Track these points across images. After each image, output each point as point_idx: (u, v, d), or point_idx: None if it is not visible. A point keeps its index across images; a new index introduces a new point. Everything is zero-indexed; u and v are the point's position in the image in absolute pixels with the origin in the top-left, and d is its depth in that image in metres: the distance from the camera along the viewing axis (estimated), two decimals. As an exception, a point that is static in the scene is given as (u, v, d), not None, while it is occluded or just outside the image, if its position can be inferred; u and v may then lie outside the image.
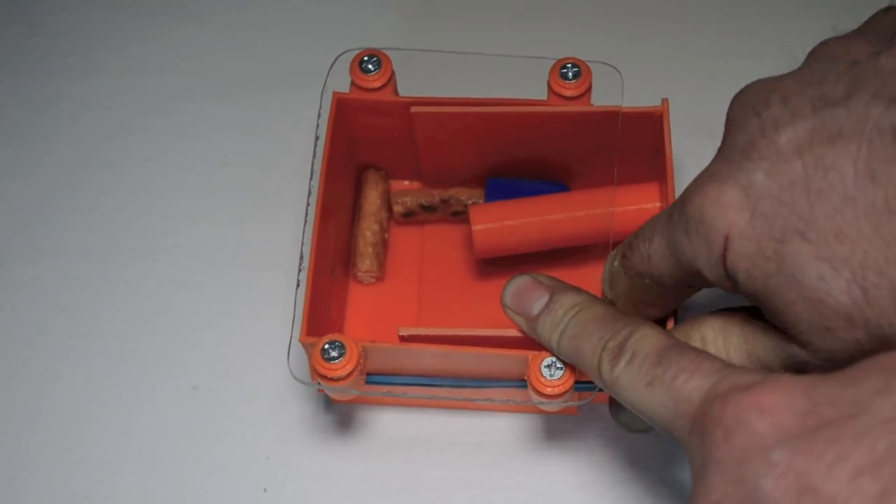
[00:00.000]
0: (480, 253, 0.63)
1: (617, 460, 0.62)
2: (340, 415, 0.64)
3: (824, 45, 0.52)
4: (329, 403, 0.64)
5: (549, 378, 0.55)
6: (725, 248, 0.47)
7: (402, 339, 0.57)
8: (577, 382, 0.55)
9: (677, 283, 0.52)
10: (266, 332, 0.65)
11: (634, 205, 0.62)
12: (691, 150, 0.65)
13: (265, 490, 0.63)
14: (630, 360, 0.49)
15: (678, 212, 0.49)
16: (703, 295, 0.59)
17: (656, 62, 0.72)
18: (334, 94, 0.61)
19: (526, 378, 0.55)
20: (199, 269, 0.68)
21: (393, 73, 0.61)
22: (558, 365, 0.55)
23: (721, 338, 0.52)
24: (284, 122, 0.71)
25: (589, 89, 0.60)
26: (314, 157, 0.60)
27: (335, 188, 0.61)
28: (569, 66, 0.60)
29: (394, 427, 0.64)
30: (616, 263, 0.54)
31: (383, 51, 0.62)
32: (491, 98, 0.61)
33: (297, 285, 0.57)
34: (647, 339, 0.49)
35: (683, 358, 0.47)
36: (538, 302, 0.55)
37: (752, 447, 0.41)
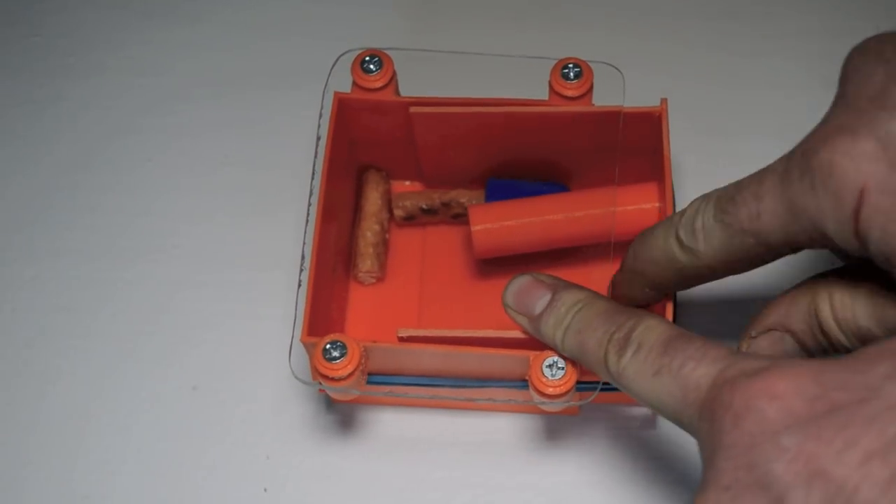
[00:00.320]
0: (480, 253, 0.63)
1: (619, 460, 0.63)
2: (341, 415, 0.64)
3: None
4: (330, 403, 0.64)
5: (550, 378, 0.55)
6: (859, 204, 0.44)
7: (402, 339, 0.57)
8: (578, 382, 0.55)
9: (787, 243, 0.48)
10: (266, 332, 0.65)
11: (633, 205, 0.62)
12: (692, 148, 0.66)
13: (265, 490, 0.63)
14: (636, 350, 0.49)
15: (798, 167, 0.46)
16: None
17: (658, 62, 0.72)
18: (336, 94, 0.61)
19: (527, 378, 0.55)
20: (199, 269, 0.68)
21: (394, 74, 0.61)
22: (560, 365, 0.55)
23: (850, 298, 0.50)
24: (284, 122, 0.71)
25: (590, 89, 0.60)
26: (315, 156, 0.60)
27: (336, 188, 0.61)
28: (570, 66, 0.60)
29: (395, 427, 0.64)
30: (710, 220, 0.50)
31: (385, 51, 0.62)
32: (492, 98, 0.61)
33: (299, 285, 0.57)
34: (652, 329, 0.49)
35: (690, 346, 0.47)
36: (540, 301, 0.55)
37: (762, 432, 0.41)
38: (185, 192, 0.70)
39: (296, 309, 0.57)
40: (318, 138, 0.60)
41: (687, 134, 0.65)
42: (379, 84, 0.61)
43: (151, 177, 0.71)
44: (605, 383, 0.54)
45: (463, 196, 0.66)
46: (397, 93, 0.62)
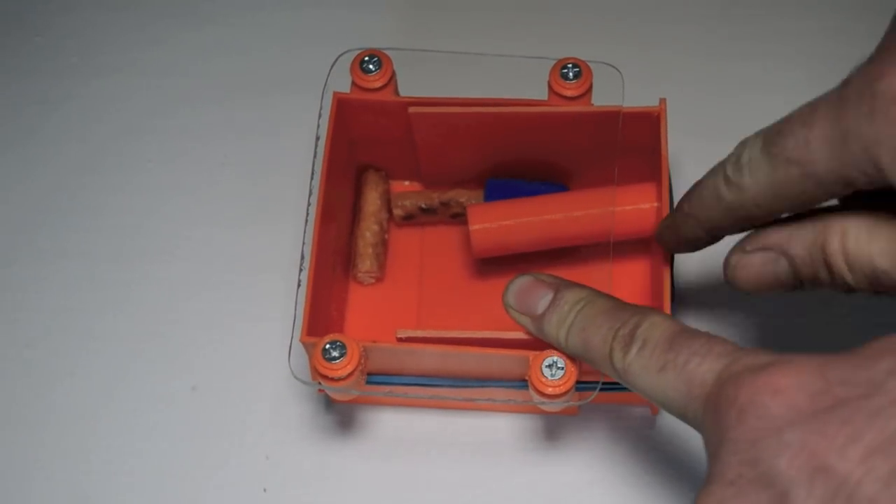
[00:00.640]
0: (479, 252, 0.63)
1: (618, 460, 0.62)
2: (341, 415, 0.64)
3: None
4: (329, 403, 0.64)
5: (550, 378, 0.55)
6: None
7: (401, 340, 0.57)
8: (578, 382, 0.55)
9: (833, 176, 0.47)
10: (266, 332, 0.65)
11: (632, 205, 0.62)
12: (691, 150, 0.66)
13: (265, 490, 0.63)
14: (641, 347, 0.49)
15: (857, 93, 0.46)
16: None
17: (657, 62, 0.72)
18: (335, 94, 0.61)
19: (527, 378, 0.55)
20: (200, 271, 0.68)
21: (394, 74, 0.61)
22: (559, 365, 0.55)
23: (866, 235, 0.49)
24: (286, 125, 0.71)
25: (589, 89, 0.60)
26: (315, 157, 0.60)
27: (336, 188, 0.61)
28: (569, 66, 0.60)
29: (394, 427, 0.64)
30: (757, 152, 0.50)
31: (384, 51, 0.62)
32: (491, 98, 0.61)
33: (298, 285, 0.58)
34: (657, 326, 0.49)
35: (694, 342, 0.47)
36: (542, 300, 0.55)
37: (765, 428, 0.42)
38: (187, 194, 0.70)
39: (295, 309, 0.57)
40: (318, 138, 0.60)
41: (685, 135, 0.65)
42: (378, 84, 0.61)
43: (155, 178, 0.71)
44: (604, 383, 0.54)
45: (462, 196, 0.66)
46: (396, 93, 0.62)
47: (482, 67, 0.65)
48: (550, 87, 0.60)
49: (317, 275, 0.58)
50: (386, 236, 0.65)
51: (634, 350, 0.49)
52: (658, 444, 0.62)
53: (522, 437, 0.63)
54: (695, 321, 0.63)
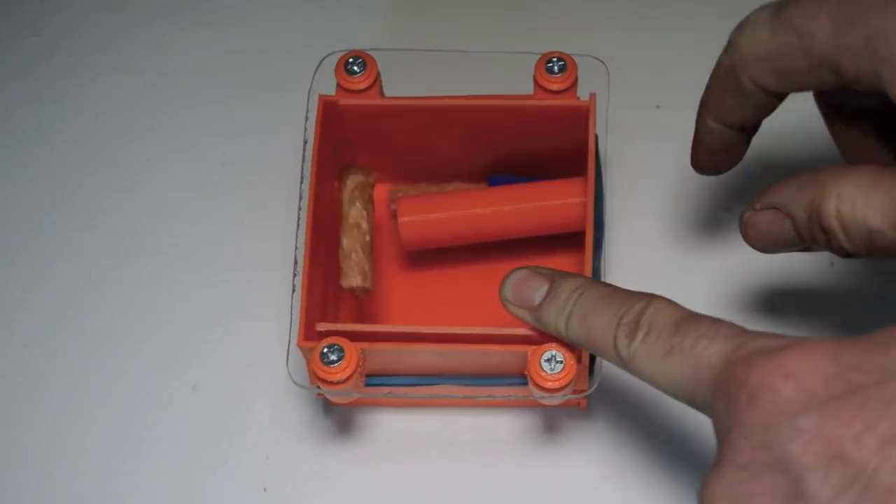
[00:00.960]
0: (407, 244, 0.63)
1: (621, 457, 0.63)
2: (340, 414, 0.64)
3: None
4: (329, 405, 0.64)
5: (549, 372, 0.55)
6: None
7: (321, 334, 0.57)
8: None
9: (827, 57, 0.47)
10: (266, 332, 0.65)
11: (560, 199, 0.62)
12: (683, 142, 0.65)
13: (265, 490, 0.63)
14: (647, 333, 0.48)
15: None
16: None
17: (652, 62, 0.72)
18: (320, 96, 0.60)
19: (526, 373, 0.55)
20: (199, 270, 0.68)
21: (378, 74, 0.61)
22: (558, 359, 0.55)
23: (861, 196, 0.49)
24: (284, 123, 0.70)
25: (575, 83, 0.60)
26: (303, 160, 0.60)
27: (326, 191, 0.61)
28: (554, 59, 0.60)
29: (395, 427, 0.64)
30: (765, 15, 0.50)
31: (368, 52, 0.61)
32: (476, 95, 0.61)
33: (293, 290, 0.57)
34: (661, 311, 0.48)
35: (701, 325, 0.46)
36: (538, 292, 0.54)
37: (778, 412, 0.41)
38: (184, 193, 0.70)
39: (291, 314, 0.57)
40: (305, 142, 0.60)
41: (677, 131, 0.64)
42: (363, 85, 0.61)
43: (152, 178, 0.70)
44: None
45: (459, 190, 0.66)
46: (382, 93, 0.62)
47: (471, 66, 0.65)
48: (536, 82, 0.60)
49: (310, 279, 0.58)
50: (370, 242, 0.64)
51: (640, 337, 0.48)
52: (661, 442, 0.63)
53: (523, 435, 0.63)
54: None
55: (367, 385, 0.58)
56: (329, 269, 0.62)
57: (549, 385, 0.55)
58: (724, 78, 0.52)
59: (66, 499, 0.63)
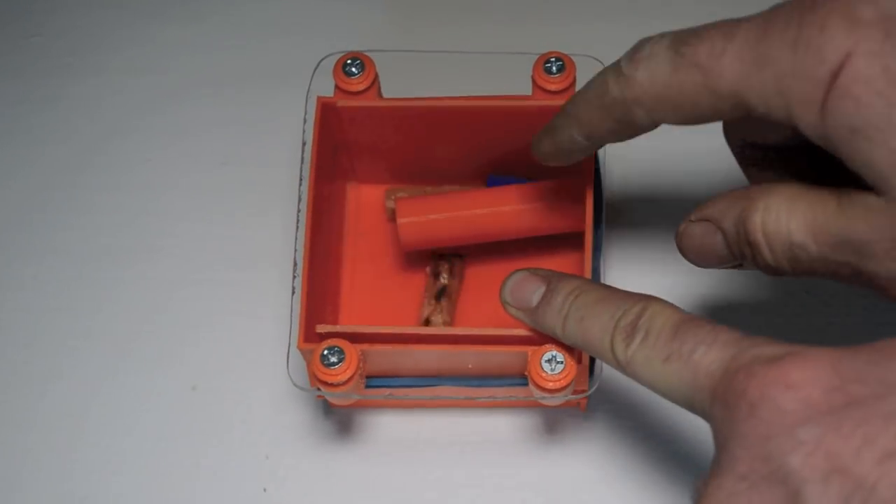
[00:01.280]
0: (406, 245, 0.63)
1: (620, 458, 0.63)
2: (340, 415, 0.64)
3: None
4: (329, 406, 0.64)
5: (550, 373, 0.55)
6: (840, 68, 0.43)
7: (321, 336, 0.57)
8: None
9: (734, 98, 0.46)
10: (266, 331, 0.65)
11: (559, 200, 0.62)
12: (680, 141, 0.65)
13: (265, 490, 0.63)
14: (644, 337, 0.48)
15: (785, 19, 0.45)
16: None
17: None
18: (318, 98, 0.60)
19: (527, 374, 0.55)
20: (199, 269, 0.68)
21: (376, 76, 0.61)
22: (559, 359, 0.55)
23: (786, 209, 0.48)
24: (283, 121, 0.70)
25: (573, 83, 0.60)
26: (302, 162, 0.60)
27: (325, 191, 0.61)
28: (553, 59, 0.60)
29: (395, 428, 0.64)
30: (662, 49, 0.48)
31: (366, 53, 0.61)
32: (474, 96, 0.61)
33: (293, 292, 0.57)
34: (659, 314, 0.48)
35: (700, 331, 0.46)
36: (536, 293, 0.54)
37: (779, 423, 0.41)
38: (183, 192, 0.70)
39: (291, 316, 0.57)
40: (304, 143, 0.60)
41: (676, 131, 0.64)
42: (361, 87, 0.61)
43: (150, 176, 0.70)
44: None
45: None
46: (380, 94, 0.62)
47: (469, 66, 0.65)
48: (534, 82, 0.60)
49: (310, 281, 0.58)
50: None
51: (637, 341, 0.48)
52: (661, 442, 0.63)
53: (524, 435, 0.63)
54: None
55: (367, 387, 0.58)
56: (329, 270, 0.62)
57: (550, 385, 0.55)
58: (611, 107, 0.50)
59: (65, 498, 0.63)
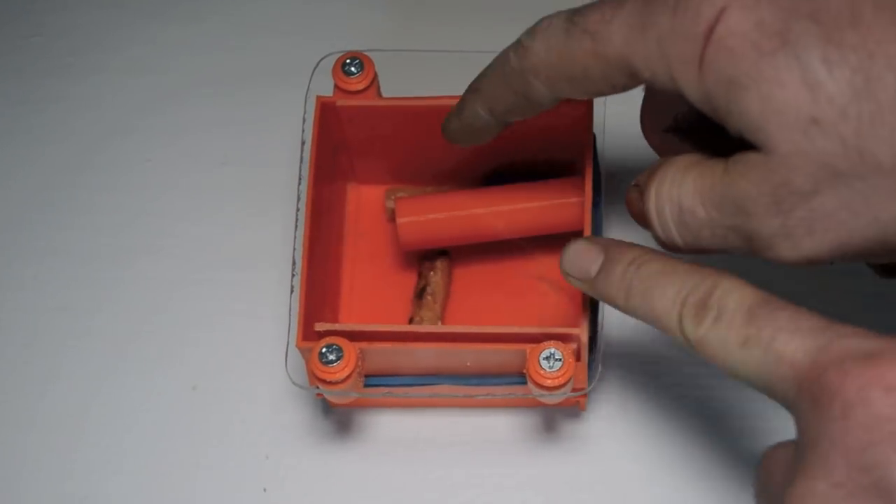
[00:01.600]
0: (406, 245, 0.63)
1: (620, 457, 0.63)
2: (340, 414, 0.64)
3: None
4: (328, 405, 0.64)
5: (548, 370, 0.55)
6: (716, 22, 0.44)
7: (320, 334, 0.57)
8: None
9: (621, 61, 0.47)
10: (265, 331, 0.65)
11: (559, 199, 0.62)
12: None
13: (265, 490, 0.63)
14: (717, 317, 0.45)
15: None
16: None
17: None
18: (318, 97, 0.60)
19: (525, 371, 0.55)
20: (199, 269, 0.68)
21: (376, 75, 0.61)
22: (557, 357, 0.55)
23: (680, 177, 0.48)
24: (282, 121, 0.70)
25: None
26: (301, 161, 0.60)
27: (324, 191, 0.61)
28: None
29: (394, 427, 0.64)
30: (559, 22, 0.49)
31: (365, 52, 0.61)
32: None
33: (291, 291, 0.58)
34: (731, 293, 0.45)
35: (779, 316, 0.44)
36: (595, 263, 0.51)
37: (878, 430, 0.39)
38: (183, 192, 0.70)
39: (290, 314, 0.57)
40: (303, 143, 0.60)
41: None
42: (361, 86, 0.61)
43: (150, 176, 0.71)
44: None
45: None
46: (379, 94, 0.62)
47: (468, 65, 0.64)
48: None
49: (309, 280, 0.58)
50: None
51: (709, 320, 0.45)
52: (662, 442, 0.63)
53: (522, 435, 0.63)
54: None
55: (366, 385, 0.58)
56: (328, 270, 0.62)
57: (548, 383, 0.55)
58: (510, 78, 0.51)
59: (64, 498, 0.64)
